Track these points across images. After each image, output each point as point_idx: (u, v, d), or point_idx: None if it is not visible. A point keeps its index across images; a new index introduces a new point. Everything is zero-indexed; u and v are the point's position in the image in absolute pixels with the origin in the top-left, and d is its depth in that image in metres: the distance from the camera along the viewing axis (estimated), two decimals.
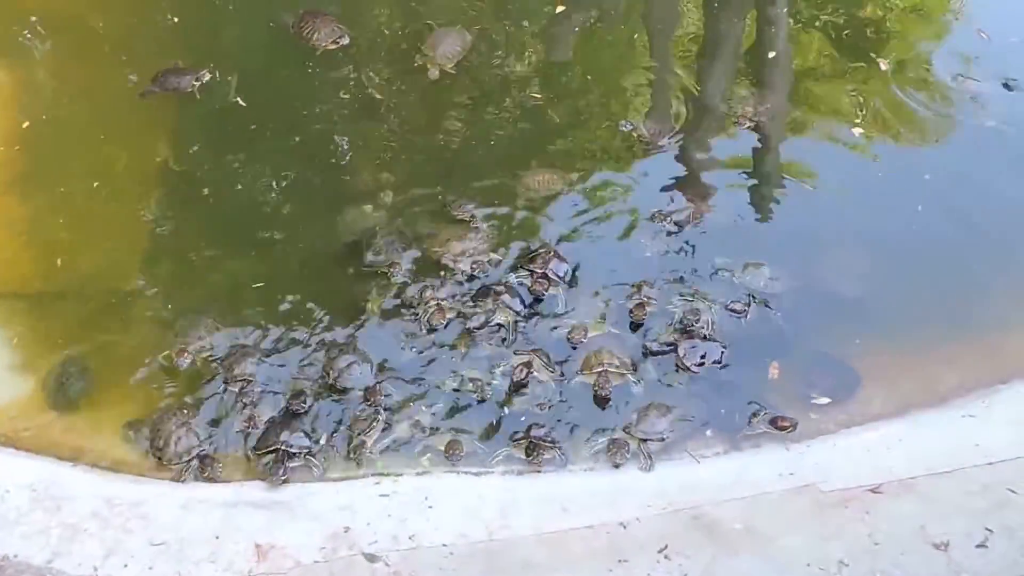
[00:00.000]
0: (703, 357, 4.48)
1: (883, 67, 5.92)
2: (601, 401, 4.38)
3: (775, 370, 4.51)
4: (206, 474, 4.16)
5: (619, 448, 4.22)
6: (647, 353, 4.57)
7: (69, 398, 4.48)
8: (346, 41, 5.87)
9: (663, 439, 4.27)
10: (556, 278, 4.76)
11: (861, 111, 5.67)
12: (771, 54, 6.04)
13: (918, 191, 5.28)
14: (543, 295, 4.71)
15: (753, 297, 4.72)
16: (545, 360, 4.50)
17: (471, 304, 4.70)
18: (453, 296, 4.75)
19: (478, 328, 4.59)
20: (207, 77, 5.70)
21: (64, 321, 4.78)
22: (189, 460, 4.18)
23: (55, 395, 4.48)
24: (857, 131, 5.59)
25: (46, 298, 4.88)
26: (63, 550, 3.82)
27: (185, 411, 4.36)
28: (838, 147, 5.55)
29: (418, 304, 4.68)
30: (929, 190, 5.28)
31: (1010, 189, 5.27)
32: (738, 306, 4.67)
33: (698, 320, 4.56)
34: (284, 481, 4.11)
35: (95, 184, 5.32)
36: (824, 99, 5.84)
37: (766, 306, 4.70)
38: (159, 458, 4.21)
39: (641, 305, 4.66)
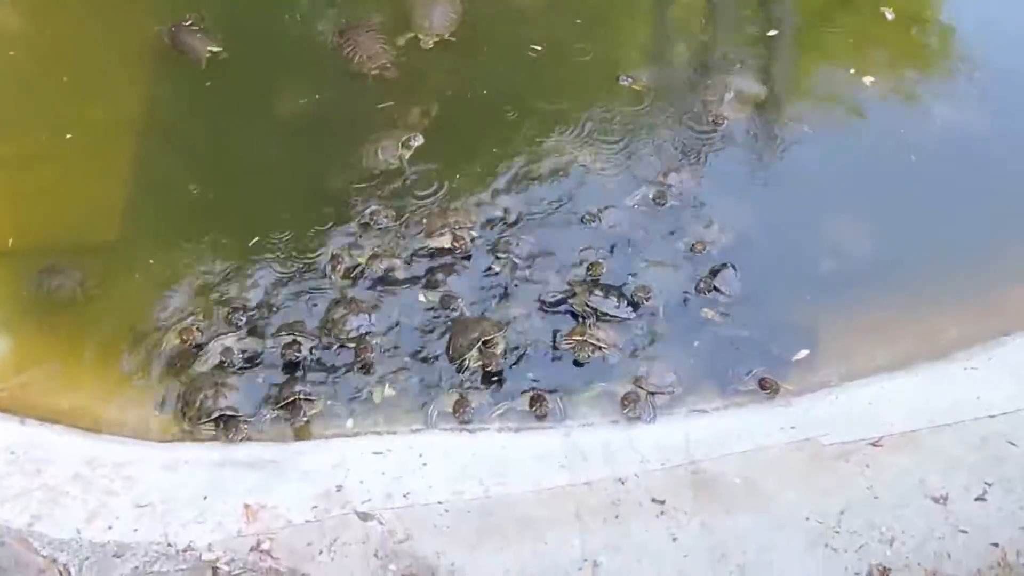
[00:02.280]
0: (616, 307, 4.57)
1: (888, 16, 5.87)
2: (579, 364, 4.41)
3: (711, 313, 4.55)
4: (229, 435, 4.15)
5: (633, 402, 4.26)
6: (543, 308, 4.61)
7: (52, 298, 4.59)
8: (391, 67, 5.47)
9: (672, 392, 4.31)
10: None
11: (867, 60, 5.64)
12: (771, 32, 5.89)
13: (922, 141, 5.28)
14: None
15: (713, 274, 4.68)
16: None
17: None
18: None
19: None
20: (224, 56, 5.50)
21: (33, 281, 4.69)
22: (213, 419, 4.18)
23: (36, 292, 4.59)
24: (868, 79, 5.57)
25: (17, 255, 4.79)
26: (45, 513, 3.78)
27: (216, 374, 4.36)
28: (846, 96, 5.54)
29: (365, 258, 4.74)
30: (933, 140, 5.29)
31: (1015, 140, 5.29)
32: (701, 285, 4.65)
33: (648, 297, 4.59)
34: (306, 423, 4.18)
35: (68, 135, 5.20)
36: (832, 47, 5.81)
37: (732, 267, 4.69)
38: (184, 416, 4.23)
39: (596, 264, 4.68)
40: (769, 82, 5.61)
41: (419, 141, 5.17)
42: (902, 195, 5.06)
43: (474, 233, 4.82)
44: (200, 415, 4.20)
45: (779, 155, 5.31)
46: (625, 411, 4.25)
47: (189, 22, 5.66)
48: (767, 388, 4.31)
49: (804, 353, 4.47)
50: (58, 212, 4.97)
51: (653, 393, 4.30)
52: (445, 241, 4.78)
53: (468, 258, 4.74)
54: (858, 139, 5.35)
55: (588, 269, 4.69)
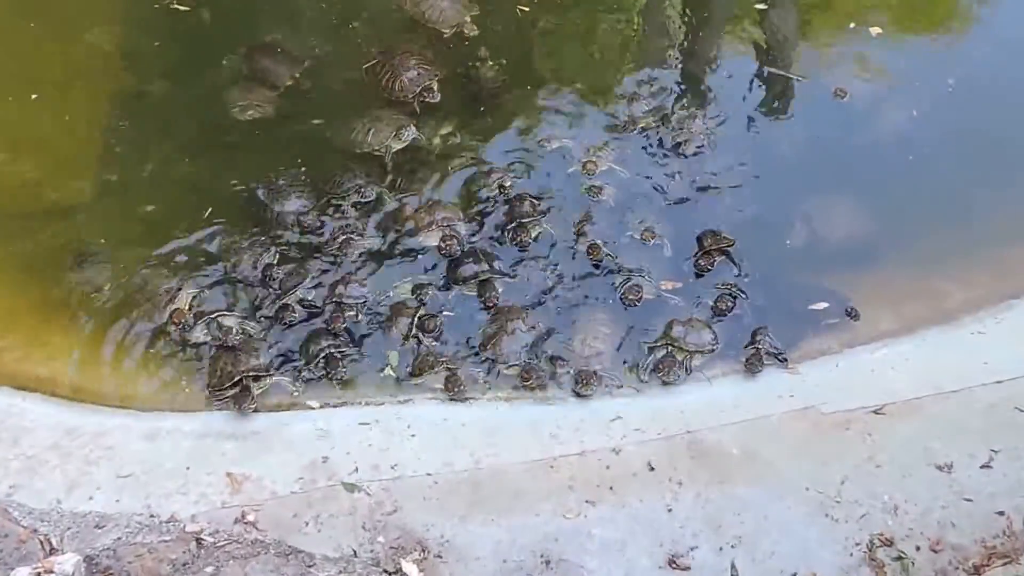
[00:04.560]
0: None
1: None
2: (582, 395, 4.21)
3: (669, 284, 4.48)
4: (241, 405, 4.06)
5: (670, 366, 4.17)
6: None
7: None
8: (435, 89, 5.11)
9: (712, 350, 4.26)
10: (531, 218, 4.65)
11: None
12: (760, 5, 5.68)
13: (927, 97, 5.17)
14: (528, 243, 4.62)
15: (735, 287, 4.51)
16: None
17: None
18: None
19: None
20: (307, 86, 5.24)
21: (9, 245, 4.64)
22: (231, 386, 4.11)
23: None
24: (875, 30, 5.43)
25: None
26: (24, 483, 3.75)
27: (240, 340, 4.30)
28: (851, 48, 5.42)
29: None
30: (939, 95, 5.18)
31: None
32: (723, 305, 4.43)
33: (640, 297, 4.45)
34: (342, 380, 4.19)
35: (33, 95, 5.09)
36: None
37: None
38: (209, 386, 4.19)
39: (595, 247, 4.56)
40: (768, 43, 5.49)
41: (412, 134, 4.97)
42: (908, 154, 4.96)
43: (461, 230, 4.65)
44: (222, 381, 4.14)
45: (779, 116, 5.20)
46: (660, 373, 4.16)
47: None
48: (749, 364, 4.21)
49: (823, 305, 4.40)
50: (33, 171, 4.90)
51: (693, 353, 4.22)
52: (433, 239, 4.62)
53: (455, 261, 4.54)
54: (859, 95, 5.22)
55: (588, 252, 4.58)
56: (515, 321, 4.33)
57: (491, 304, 4.39)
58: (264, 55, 5.30)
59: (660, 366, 4.18)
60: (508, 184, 4.80)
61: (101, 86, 5.20)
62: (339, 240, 4.62)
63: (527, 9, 5.57)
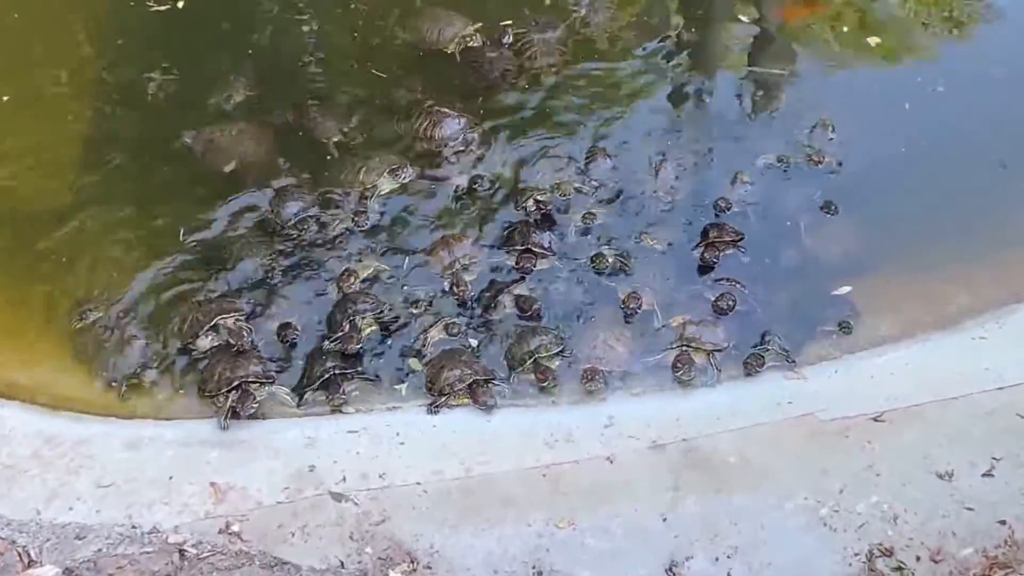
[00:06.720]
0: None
1: None
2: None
3: (679, 320, 4.42)
4: (239, 410, 4.02)
5: (687, 365, 4.16)
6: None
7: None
8: (472, 141, 4.97)
9: (730, 345, 4.26)
10: (542, 250, 4.58)
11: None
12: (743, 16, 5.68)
13: (925, 102, 5.19)
14: (531, 270, 4.55)
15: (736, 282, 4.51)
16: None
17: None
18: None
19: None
20: (357, 142, 5.08)
21: None
22: (228, 391, 4.07)
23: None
24: (873, 40, 5.46)
25: None
26: (1, 492, 3.72)
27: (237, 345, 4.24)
28: (848, 55, 5.47)
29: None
30: (937, 101, 5.20)
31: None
32: (724, 304, 4.40)
33: (640, 305, 4.41)
34: (343, 402, 4.11)
35: (4, 98, 5.08)
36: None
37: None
38: (201, 389, 4.16)
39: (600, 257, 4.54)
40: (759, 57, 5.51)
41: (410, 176, 4.85)
42: (909, 154, 4.97)
43: (474, 275, 4.55)
44: (220, 386, 4.09)
45: (773, 124, 5.21)
46: (678, 373, 4.16)
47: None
48: (749, 366, 4.20)
49: (846, 289, 4.42)
50: (12, 175, 4.90)
51: (712, 352, 4.21)
52: (447, 283, 4.52)
53: (464, 305, 4.46)
54: (860, 101, 5.25)
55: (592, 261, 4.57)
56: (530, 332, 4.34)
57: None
58: (313, 108, 5.19)
59: (678, 365, 4.18)
60: (543, 199, 4.71)
61: (80, 87, 5.19)
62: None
63: (510, 23, 5.56)
